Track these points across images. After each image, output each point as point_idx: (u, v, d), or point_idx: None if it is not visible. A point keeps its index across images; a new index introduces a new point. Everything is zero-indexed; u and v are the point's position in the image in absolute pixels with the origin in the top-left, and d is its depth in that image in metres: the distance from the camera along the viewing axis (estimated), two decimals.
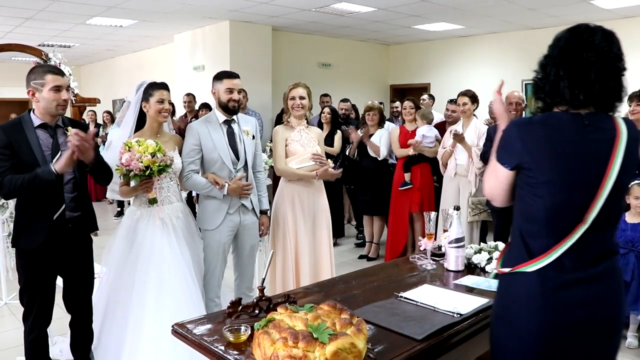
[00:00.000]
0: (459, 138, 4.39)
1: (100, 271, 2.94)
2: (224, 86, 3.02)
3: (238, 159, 3.06)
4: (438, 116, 6.11)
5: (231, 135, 3.07)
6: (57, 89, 2.44)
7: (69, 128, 2.46)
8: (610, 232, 1.55)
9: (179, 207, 2.98)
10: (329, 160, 3.48)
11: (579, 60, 1.47)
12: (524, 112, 4.13)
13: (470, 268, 2.40)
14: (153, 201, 2.83)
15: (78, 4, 6.31)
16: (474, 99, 4.52)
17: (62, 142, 2.52)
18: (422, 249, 2.54)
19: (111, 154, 2.85)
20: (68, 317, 2.79)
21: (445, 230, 2.49)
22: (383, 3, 6.51)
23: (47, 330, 2.62)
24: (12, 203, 3.96)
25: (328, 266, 3.46)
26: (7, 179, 2.35)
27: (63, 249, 2.57)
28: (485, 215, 4.48)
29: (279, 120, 4.81)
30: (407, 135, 5.06)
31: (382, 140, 5.25)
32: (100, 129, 8.46)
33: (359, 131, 5.48)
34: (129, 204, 3.39)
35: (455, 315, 1.80)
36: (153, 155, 2.66)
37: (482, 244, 2.56)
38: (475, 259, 2.41)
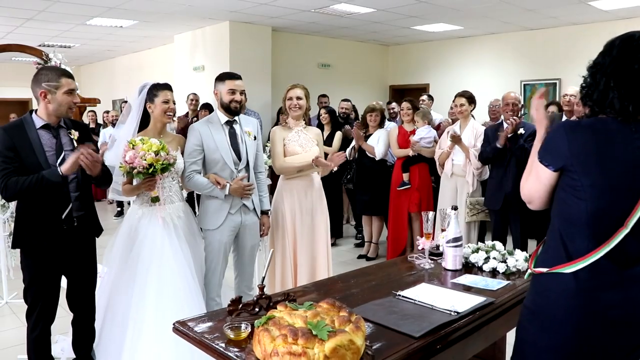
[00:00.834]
0: (456, 139, 4.42)
1: (101, 270, 2.95)
2: (226, 87, 3.04)
3: (240, 159, 3.08)
4: (437, 116, 6.13)
5: (233, 136, 3.09)
6: (71, 92, 2.51)
7: (75, 135, 2.54)
8: None
9: (181, 206, 2.99)
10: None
11: (631, 73, 1.49)
12: (520, 113, 4.16)
13: (468, 267, 2.42)
14: (155, 199, 2.84)
15: (78, 4, 6.33)
16: (471, 99, 4.55)
17: (65, 142, 2.55)
18: (420, 248, 2.57)
19: (114, 153, 2.87)
20: (70, 315, 2.80)
21: (443, 230, 2.51)
22: (382, 4, 6.53)
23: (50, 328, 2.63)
24: (13, 203, 3.97)
25: (325, 265, 3.48)
26: (12, 180, 2.36)
27: (68, 249, 2.59)
28: (483, 215, 4.51)
29: (280, 116, 4.80)
30: (406, 136, 5.08)
31: (381, 140, 5.28)
32: (101, 129, 8.47)
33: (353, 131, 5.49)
34: (129, 204, 3.41)
35: (452, 313, 1.82)
36: (157, 153, 2.67)
37: (479, 243, 2.58)
38: (473, 259, 2.43)
